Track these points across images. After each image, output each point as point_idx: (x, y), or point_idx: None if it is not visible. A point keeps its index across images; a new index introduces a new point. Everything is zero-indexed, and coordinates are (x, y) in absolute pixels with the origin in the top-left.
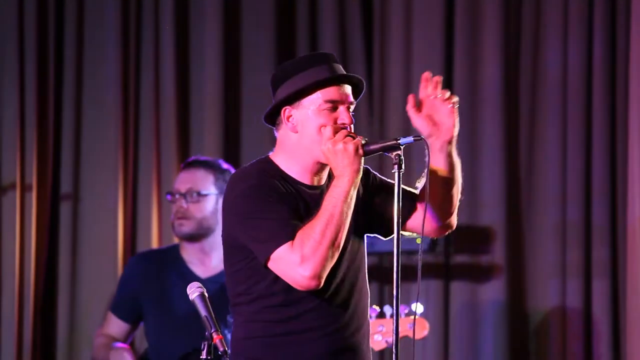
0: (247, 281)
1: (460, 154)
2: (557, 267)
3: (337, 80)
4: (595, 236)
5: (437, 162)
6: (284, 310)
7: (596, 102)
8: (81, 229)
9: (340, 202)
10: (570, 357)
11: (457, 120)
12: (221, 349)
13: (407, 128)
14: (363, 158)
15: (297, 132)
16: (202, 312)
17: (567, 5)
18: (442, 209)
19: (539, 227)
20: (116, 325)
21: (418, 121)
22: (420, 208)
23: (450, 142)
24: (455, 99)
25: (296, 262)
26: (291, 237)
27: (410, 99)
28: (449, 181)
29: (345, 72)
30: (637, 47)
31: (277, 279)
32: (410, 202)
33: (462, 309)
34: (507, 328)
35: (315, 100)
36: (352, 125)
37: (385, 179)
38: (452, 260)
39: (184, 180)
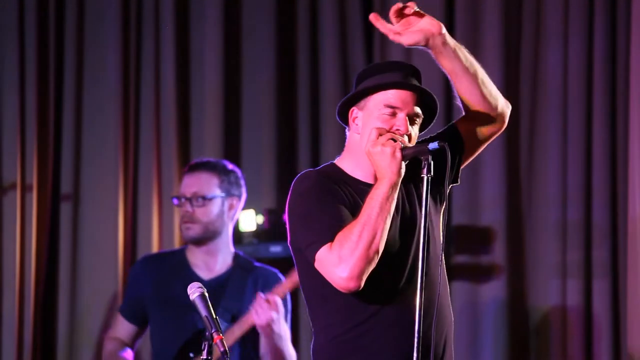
0: (315, 283)
1: None
2: (557, 267)
3: (398, 86)
4: (595, 236)
5: (449, 62)
6: (357, 310)
7: (596, 102)
8: (81, 229)
9: (377, 204)
10: (570, 357)
11: (432, 18)
12: (221, 349)
13: None
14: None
15: (359, 133)
16: (203, 312)
17: (567, 6)
18: (485, 97)
19: (539, 227)
20: (124, 328)
21: (407, 39)
22: (470, 118)
23: (442, 35)
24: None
25: (334, 264)
26: (330, 239)
27: (387, 28)
28: (471, 74)
29: (416, 84)
30: (637, 47)
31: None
32: (461, 134)
33: (462, 309)
34: (507, 328)
35: (377, 104)
36: (408, 135)
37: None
38: (452, 260)
39: (189, 185)
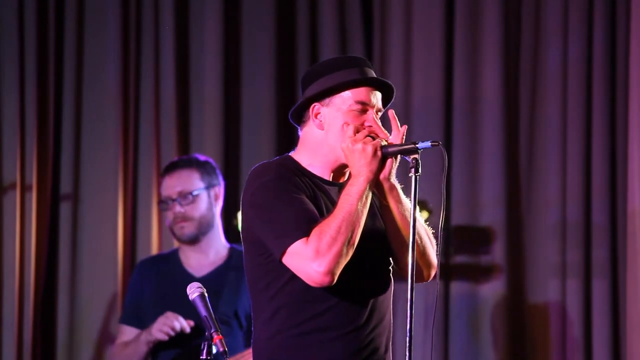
0: (266, 277)
1: (460, 153)
2: (557, 267)
3: (370, 83)
4: (595, 236)
5: (391, 205)
6: (303, 308)
7: (596, 102)
8: (81, 229)
9: (355, 200)
10: (570, 357)
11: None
12: (221, 349)
13: (407, 129)
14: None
15: (323, 129)
16: (202, 312)
17: (567, 5)
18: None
19: (539, 227)
20: (130, 335)
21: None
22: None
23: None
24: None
25: (310, 257)
26: (306, 232)
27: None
28: (404, 225)
29: (380, 78)
30: (637, 47)
31: (295, 276)
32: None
33: (462, 309)
34: (507, 328)
35: (346, 100)
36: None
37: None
38: (452, 260)
39: (172, 185)
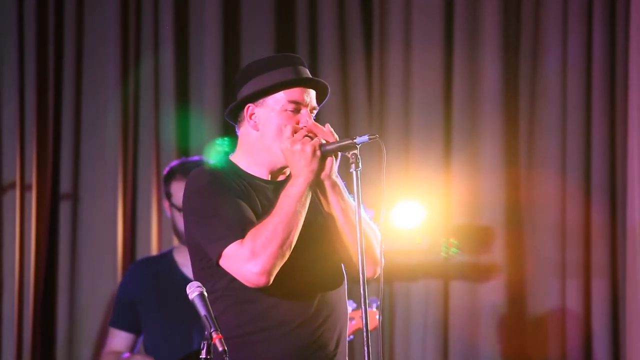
0: (210, 280)
1: (460, 153)
2: (557, 267)
3: (302, 83)
4: (595, 236)
5: (334, 203)
6: (246, 308)
7: (596, 102)
8: (81, 228)
9: (294, 202)
10: (570, 357)
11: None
12: (221, 348)
13: (407, 128)
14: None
15: (258, 130)
16: (202, 311)
17: (567, 5)
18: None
19: (539, 227)
20: (119, 339)
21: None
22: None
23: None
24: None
25: (245, 258)
26: (241, 235)
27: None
28: (347, 222)
29: (311, 77)
30: (637, 47)
31: (234, 278)
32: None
33: (462, 309)
34: (507, 328)
35: (279, 100)
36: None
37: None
38: (452, 260)
39: None
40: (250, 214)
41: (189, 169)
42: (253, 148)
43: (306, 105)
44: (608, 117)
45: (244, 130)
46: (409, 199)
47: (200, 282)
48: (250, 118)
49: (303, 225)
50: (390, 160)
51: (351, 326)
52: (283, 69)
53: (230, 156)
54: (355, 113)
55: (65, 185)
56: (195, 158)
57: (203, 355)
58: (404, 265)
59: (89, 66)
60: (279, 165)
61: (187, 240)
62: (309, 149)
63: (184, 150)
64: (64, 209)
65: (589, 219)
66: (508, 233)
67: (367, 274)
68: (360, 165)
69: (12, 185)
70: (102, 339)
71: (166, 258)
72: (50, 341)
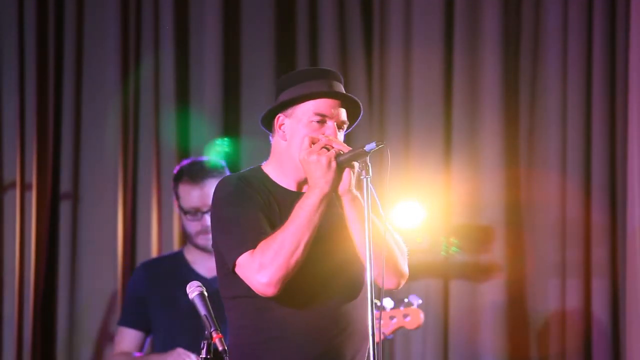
0: (233, 285)
1: (460, 153)
2: (557, 266)
3: (330, 95)
4: (595, 236)
5: (355, 217)
6: (264, 315)
7: (596, 102)
8: (81, 228)
9: (305, 213)
10: (570, 357)
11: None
12: (221, 348)
13: (407, 128)
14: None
15: (286, 140)
16: (202, 311)
17: (567, 5)
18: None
19: (539, 227)
20: (129, 337)
21: None
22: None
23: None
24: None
25: (255, 270)
26: (252, 246)
27: None
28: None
29: (344, 92)
30: (637, 47)
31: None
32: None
33: (462, 309)
34: (507, 328)
35: (307, 112)
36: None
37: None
38: (452, 260)
39: (202, 197)
40: (265, 225)
41: (195, 173)
42: (282, 158)
43: (332, 118)
44: (608, 117)
45: (275, 140)
46: (409, 199)
47: (225, 286)
48: (280, 128)
49: (323, 236)
50: (391, 161)
51: (392, 324)
52: (316, 81)
53: (262, 164)
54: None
55: (65, 185)
56: (204, 158)
57: (203, 355)
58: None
59: (89, 66)
60: (304, 176)
61: (213, 245)
62: (324, 160)
63: (184, 150)
64: (64, 209)
65: (589, 219)
66: (508, 233)
67: (390, 285)
68: (370, 173)
69: (12, 185)
70: (102, 339)
71: (177, 257)
72: (50, 341)
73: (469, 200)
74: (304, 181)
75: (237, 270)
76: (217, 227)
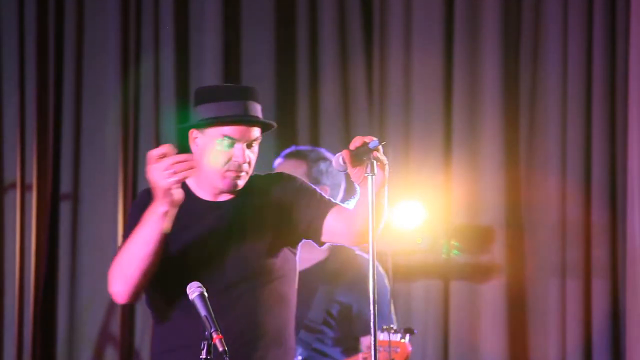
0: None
1: (460, 154)
2: (557, 267)
3: (238, 122)
4: (595, 236)
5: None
6: (164, 325)
7: (596, 102)
8: (81, 228)
9: (142, 228)
10: (570, 357)
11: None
12: (221, 349)
13: (408, 128)
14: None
15: (199, 154)
16: (202, 311)
17: (567, 5)
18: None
19: (539, 228)
20: None
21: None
22: (340, 223)
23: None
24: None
25: (109, 281)
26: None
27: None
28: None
29: (253, 114)
30: (637, 47)
31: (150, 295)
32: (331, 214)
33: (462, 310)
34: (507, 328)
35: (216, 134)
36: (246, 164)
37: (308, 186)
38: (452, 260)
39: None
40: (182, 235)
41: None
42: (198, 169)
43: (241, 141)
44: (608, 117)
45: (193, 151)
46: (409, 199)
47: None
48: (194, 142)
49: (205, 246)
50: (391, 161)
51: (394, 355)
52: (231, 102)
53: None
54: (356, 113)
55: (65, 185)
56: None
57: (203, 356)
58: (404, 265)
59: (90, 66)
60: (219, 187)
61: None
62: (164, 184)
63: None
64: (64, 209)
65: (589, 219)
66: (508, 233)
67: (349, 237)
68: (375, 171)
69: (13, 185)
70: (102, 339)
71: None
72: (50, 341)
73: (468, 201)
74: (220, 192)
75: None
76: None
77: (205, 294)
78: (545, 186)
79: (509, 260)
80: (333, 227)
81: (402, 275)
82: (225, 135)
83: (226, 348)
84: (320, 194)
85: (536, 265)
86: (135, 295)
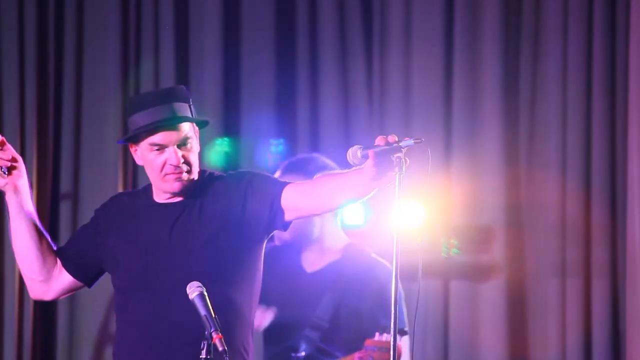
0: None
1: (460, 153)
2: (557, 266)
3: (160, 128)
4: (595, 236)
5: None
6: (119, 325)
7: (596, 102)
8: None
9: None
10: (570, 357)
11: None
12: (221, 348)
13: (408, 128)
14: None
15: (143, 164)
16: (202, 311)
17: (567, 5)
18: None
19: (539, 227)
20: None
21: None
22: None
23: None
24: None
25: None
26: None
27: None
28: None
29: (177, 115)
30: (637, 47)
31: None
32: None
33: (462, 309)
34: (507, 328)
35: (145, 143)
36: (184, 164)
37: (258, 174)
38: (452, 260)
39: None
40: (74, 244)
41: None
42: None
43: (170, 144)
44: (608, 117)
45: (138, 163)
46: (409, 199)
47: None
48: (135, 153)
49: (149, 246)
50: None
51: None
52: (157, 107)
53: None
54: (356, 113)
55: (65, 185)
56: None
57: (203, 356)
58: (404, 265)
59: (90, 66)
60: (165, 195)
61: None
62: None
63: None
64: (64, 208)
65: (589, 219)
66: (508, 233)
67: (321, 204)
68: (403, 169)
69: None
70: (102, 339)
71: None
72: (50, 341)
73: (468, 201)
74: (172, 195)
75: None
76: None
77: (205, 293)
78: (545, 186)
79: (508, 260)
80: (293, 200)
81: (402, 275)
82: (152, 144)
83: (226, 348)
84: (272, 177)
85: (536, 265)
86: (38, 291)
